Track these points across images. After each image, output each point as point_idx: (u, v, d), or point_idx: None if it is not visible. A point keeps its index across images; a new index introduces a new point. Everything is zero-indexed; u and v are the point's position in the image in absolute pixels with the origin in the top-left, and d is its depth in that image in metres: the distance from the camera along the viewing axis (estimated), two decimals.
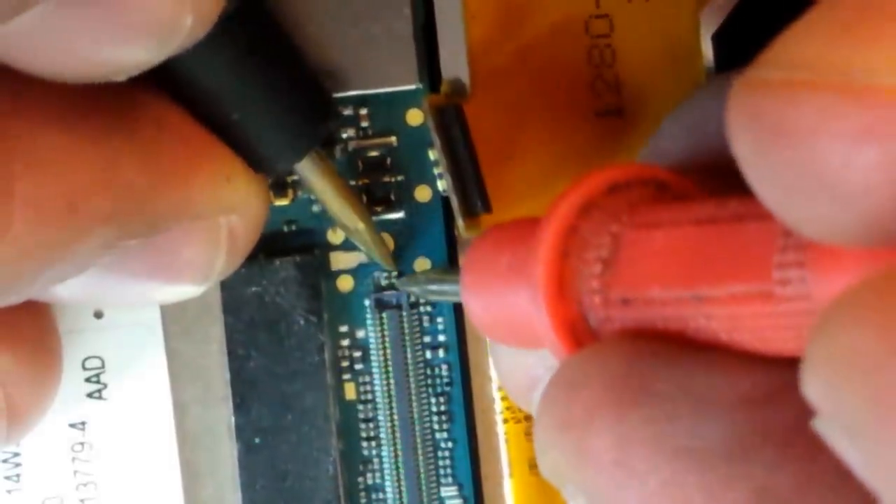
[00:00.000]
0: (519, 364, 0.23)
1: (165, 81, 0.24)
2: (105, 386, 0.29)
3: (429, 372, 0.29)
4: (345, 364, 0.29)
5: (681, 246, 0.18)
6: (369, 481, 0.29)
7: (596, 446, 0.18)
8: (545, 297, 0.19)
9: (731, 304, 0.17)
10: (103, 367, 0.29)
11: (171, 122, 0.24)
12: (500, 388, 0.29)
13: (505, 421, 0.29)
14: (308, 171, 0.27)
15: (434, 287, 0.27)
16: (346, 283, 0.29)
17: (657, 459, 0.17)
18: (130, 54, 0.21)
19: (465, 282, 0.23)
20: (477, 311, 0.22)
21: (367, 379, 0.29)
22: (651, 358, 0.18)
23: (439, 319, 0.29)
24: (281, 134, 0.25)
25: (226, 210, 0.25)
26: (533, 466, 0.29)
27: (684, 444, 0.17)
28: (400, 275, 0.29)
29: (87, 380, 0.29)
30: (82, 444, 0.29)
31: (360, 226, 0.28)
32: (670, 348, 0.18)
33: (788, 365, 0.16)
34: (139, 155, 0.23)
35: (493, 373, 0.28)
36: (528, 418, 0.28)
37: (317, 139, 0.26)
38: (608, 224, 0.20)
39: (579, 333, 0.20)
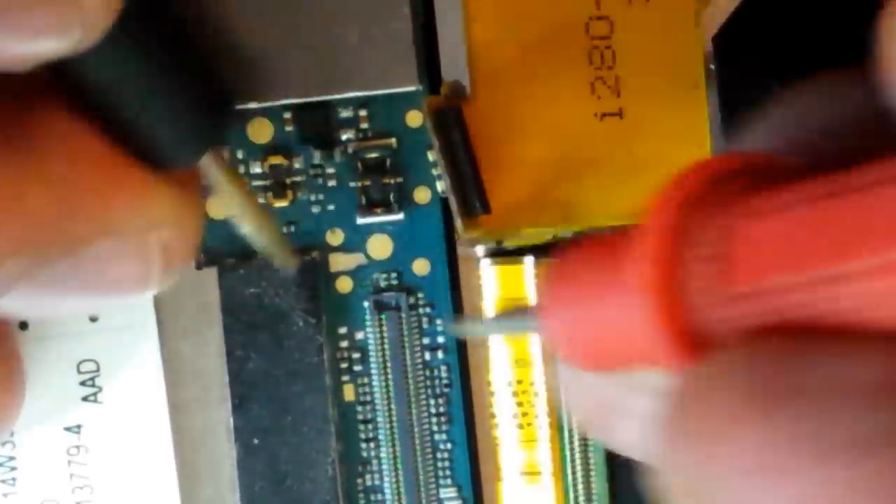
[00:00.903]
0: (597, 389, 0.22)
1: (60, 77, 0.23)
2: (100, 389, 0.29)
3: (428, 373, 0.29)
4: (344, 365, 0.29)
5: (800, 227, 0.17)
6: (368, 482, 0.29)
7: (741, 452, 0.17)
8: (656, 303, 0.18)
9: (866, 279, 0.16)
10: (98, 370, 0.29)
11: (81, 141, 0.23)
12: (492, 392, 0.29)
13: (499, 425, 0.29)
14: (208, 170, 0.26)
15: (501, 324, 0.26)
16: (345, 285, 0.29)
17: (808, 459, 0.17)
18: (30, 48, 0.21)
19: (548, 306, 0.21)
20: (562, 336, 0.20)
21: (366, 380, 0.29)
22: (784, 353, 0.18)
23: (438, 321, 0.29)
24: (178, 133, 0.24)
25: (153, 225, 0.24)
26: (524, 473, 0.28)
27: (833, 439, 0.17)
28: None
29: (82, 383, 0.29)
30: (78, 447, 0.29)
31: (259, 227, 0.27)
32: (802, 340, 0.18)
33: None
34: (48, 180, 0.22)
35: (491, 375, 0.28)
36: (528, 424, 0.28)
37: (215, 139, 0.26)
38: (716, 217, 0.19)
39: (694, 339, 0.18)
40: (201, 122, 0.25)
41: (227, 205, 0.27)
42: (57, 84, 0.23)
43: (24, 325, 0.29)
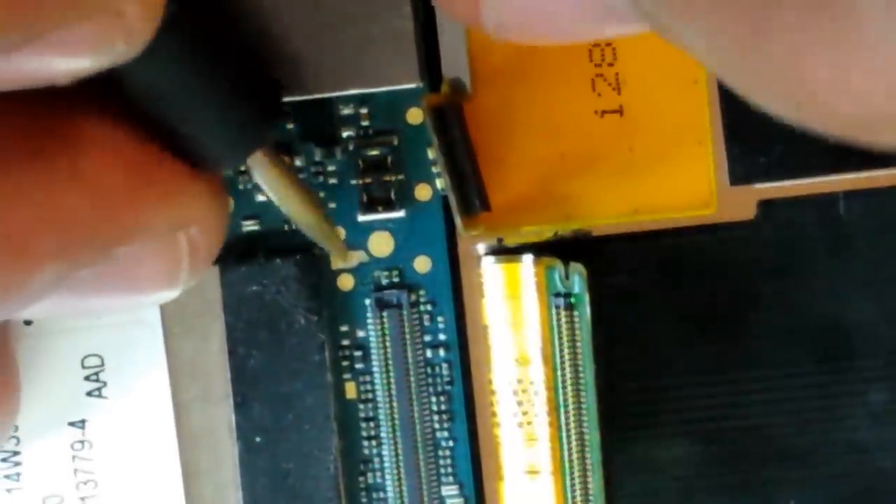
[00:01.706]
0: None
1: (106, 80, 0.23)
2: (105, 384, 0.29)
3: (429, 371, 0.29)
4: (345, 363, 0.29)
5: None
6: (370, 480, 0.29)
7: None
8: None
9: None
10: (103, 365, 0.29)
11: (115, 145, 0.23)
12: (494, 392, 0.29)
13: (500, 424, 0.29)
14: (257, 169, 0.26)
15: None
16: (346, 282, 0.29)
17: None
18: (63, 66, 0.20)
19: None
20: None
21: (368, 378, 0.29)
22: None
23: (440, 318, 0.29)
24: (225, 135, 0.25)
25: (183, 224, 0.24)
26: (526, 471, 0.28)
27: None
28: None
29: (87, 378, 0.29)
30: (82, 442, 0.29)
31: (315, 222, 0.27)
32: None
33: None
34: (84, 185, 0.22)
35: (493, 373, 0.28)
36: (528, 423, 0.28)
37: (263, 139, 0.26)
38: None
39: None
40: (248, 122, 0.25)
41: (278, 201, 0.26)
42: (90, 88, 0.23)
43: (27, 321, 0.29)
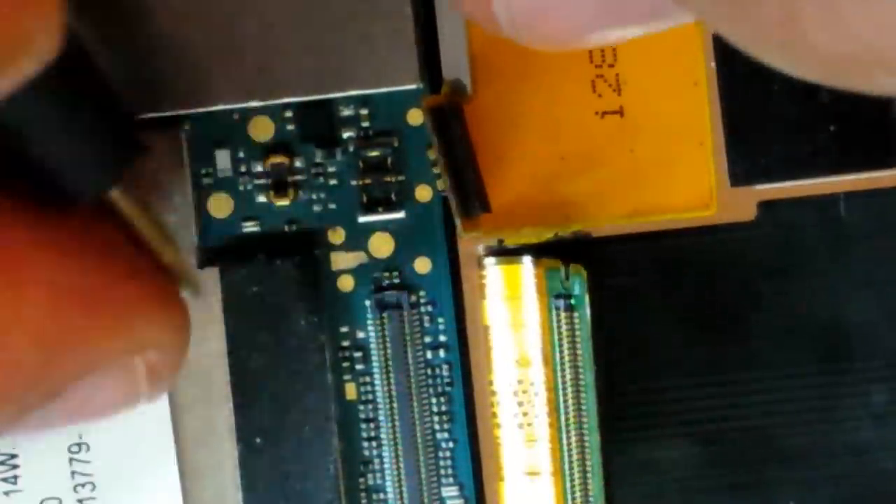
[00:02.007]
0: None
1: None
2: None
3: (429, 372, 0.29)
4: (345, 364, 0.29)
5: None
6: (370, 482, 0.29)
7: None
8: None
9: None
10: None
11: (58, 279, 0.22)
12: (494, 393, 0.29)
13: (500, 425, 0.29)
14: (118, 202, 0.25)
15: None
16: (346, 283, 0.29)
17: None
18: None
19: None
20: None
21: (368, 379, 0.29)
22: None
23: (440, 319, 0.29)
24: (83, 169, 0.24)
25: (138, 349, 0.23)
26: (526, 472, 0.28)
27: None
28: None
29: None
30: (79, 444, 0.29)
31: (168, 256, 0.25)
32: None
33: None
34: (27, 327, 0.21)
35: (493, 375, 0.28)
36: (528, 424, 0.28)
37: (118, 173, 0.24)
38: None
39: None
40: (106, 156, 0.24)
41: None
42: (25, 221, 0.22)
43: None
